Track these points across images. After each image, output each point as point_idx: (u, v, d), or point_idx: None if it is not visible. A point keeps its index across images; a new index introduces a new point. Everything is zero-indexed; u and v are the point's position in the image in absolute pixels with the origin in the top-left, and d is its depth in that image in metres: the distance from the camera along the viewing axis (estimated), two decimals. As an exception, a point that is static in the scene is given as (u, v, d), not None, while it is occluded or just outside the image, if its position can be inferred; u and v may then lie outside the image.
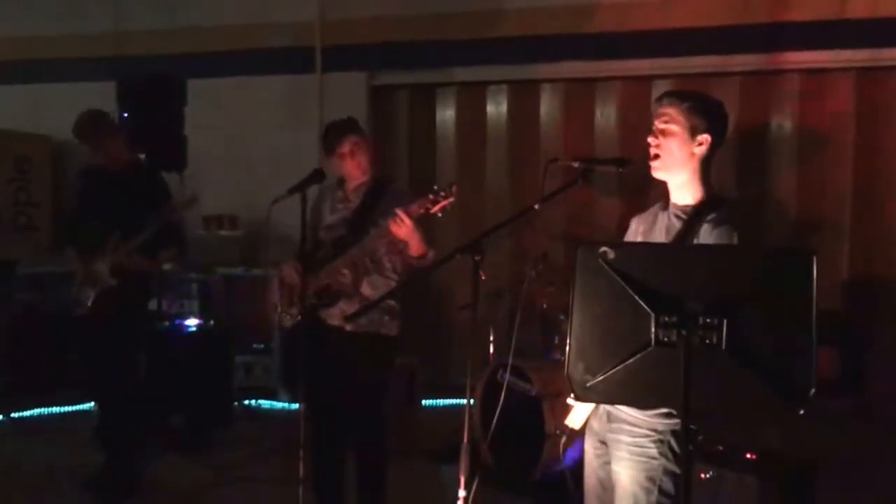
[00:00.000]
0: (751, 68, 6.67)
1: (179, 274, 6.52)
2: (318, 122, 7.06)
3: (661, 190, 2.92)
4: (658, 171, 2.86)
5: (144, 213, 4.71)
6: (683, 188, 2.87)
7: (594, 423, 3.00)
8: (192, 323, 6.25)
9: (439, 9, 7.05)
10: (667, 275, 2.18)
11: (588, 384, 2.28)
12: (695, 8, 6.60)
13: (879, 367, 6.27)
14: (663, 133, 2.85)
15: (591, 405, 3.02)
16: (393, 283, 4.12)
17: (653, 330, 2.16)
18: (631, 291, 2.16)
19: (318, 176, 3.89)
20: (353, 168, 4.15)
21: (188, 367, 5.95)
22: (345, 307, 4.03)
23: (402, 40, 7.13)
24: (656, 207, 2.96)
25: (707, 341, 2.13)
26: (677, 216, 2.85)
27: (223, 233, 7.21)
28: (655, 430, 2.77)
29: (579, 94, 7.08)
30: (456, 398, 6.36)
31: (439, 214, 3.66)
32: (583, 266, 2.23)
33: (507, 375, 3.75)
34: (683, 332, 2.14)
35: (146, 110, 5.79)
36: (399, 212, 3.73)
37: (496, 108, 7.32)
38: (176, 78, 6.22)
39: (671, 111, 2.87)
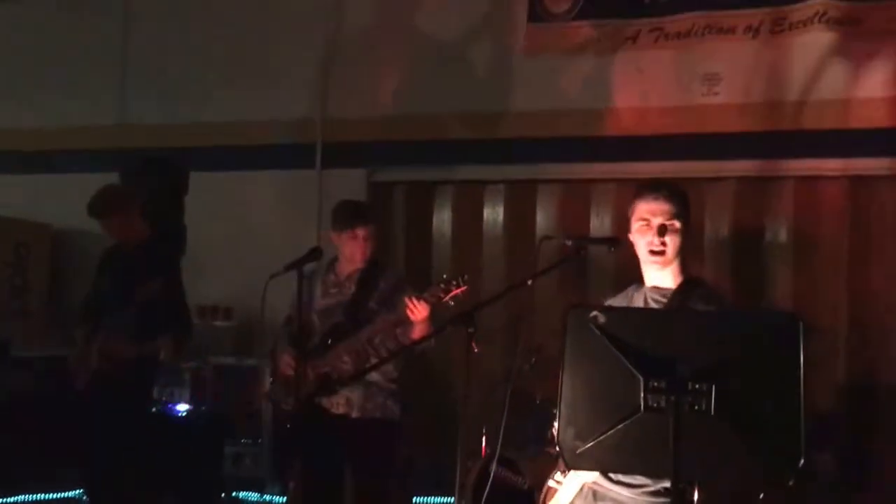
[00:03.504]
0: (745, 174, 6.76)
1: (179, 364, 6.46)
2: (317, 217, 7.14)
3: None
4: (665, 267, 2.91)
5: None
6: (669, 272, 2.92)
7: (580, 505, 2.97)
8: (182, 408, 6.18)
9: (439, 109, 7.19)
10: (657, 339, 2.19)
11: (578, 451, 2.27)
12: (691, 115, 6.73)
13: (878, 473, 6.19)
14: (669, 229, 2.91)
15: (576, 488, 2.99)
16: (391, 366, 4.11)
17: (642, 395, 2.16)
18: (620, 356, 2.16)
19: (315, 254, 3.94)
20: (359, 253, 4.18)
21: (176, 453, 5.86)
22: (349, 394, 4.00)
23: (401, 139, 7.26)
24: (631, 289, 3.02)
25: (696, 407, 2.13)
26: (655, 300, 2.89)
27: (217, 323, 7.20)
28: (643, 509, 2.74)
29: (575, 196, 7.16)
30: (450, 495, 6.24)
31: (451, 303, 3.69)
32: (573, 330, 2.25)
33: (494, 467, 3.72)
34: (672, 398, 2.14)
35: (147, 197, 5.82)
36: (414, 299, 3.77)
37: (493, 206, 7.38)
38: (178, 165, 6.31)
39: (671, 207, 2.94)
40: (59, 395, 5.51)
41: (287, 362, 4.14)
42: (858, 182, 6.58)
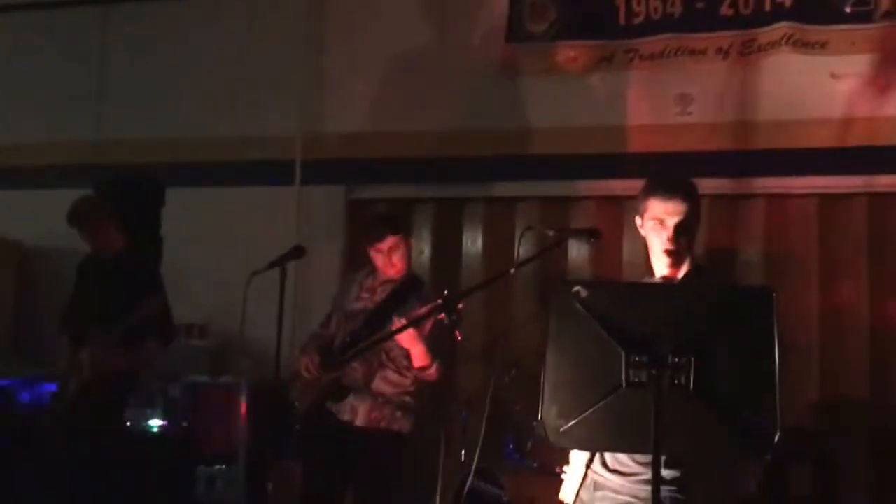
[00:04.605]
0: (717, 192, 6.84)
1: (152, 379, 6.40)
2: (295, 234, 7.13)
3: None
4: (674, 268, 2.94)
5: (130, 302, 4.70)
6: (676, 266, 2.96)
7: (583, 495, 3.02)
8: (154, 424, 6.12)
9: (418, 126, 7.25)
10: (638, 314, 2.23)
11: (561, 429, 2.29)
12: (665, 134, 6.83)
13: (851, 489, 6.24)
14: (685, 229, 2.94)
15: (579, 474, 3.01)
16: (406, 379, 4.10)
17: (623, 370, 2.19)
18: (602, 330, 2.19)
19: (297, 252, 3.96)
20: (387, 266, 4.19)
21: (147, 474, 5.80)
22: (354, 402, 4.00)
23: (380, 156, 7.30)
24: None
25: (675, 381, 2.16)
26: None
27: (193, 342, 7.15)
28: (637, 497, 2.77)
29: (554, 213, 7.20)
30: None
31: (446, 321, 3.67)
32: (556, 306, 2.28)
33: (470, 480, 3.73)
34: (653, 372, 2.17)
35: (124, 209, 5.81)
36: (403, 318, 3.77)
37: (472, 224, 7.42)
38: (154, 179, 6.31)
39: (687, 207, 2.96)
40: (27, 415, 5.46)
41: (306, 364, 4.16)
42: (827, 200, 6.69)
